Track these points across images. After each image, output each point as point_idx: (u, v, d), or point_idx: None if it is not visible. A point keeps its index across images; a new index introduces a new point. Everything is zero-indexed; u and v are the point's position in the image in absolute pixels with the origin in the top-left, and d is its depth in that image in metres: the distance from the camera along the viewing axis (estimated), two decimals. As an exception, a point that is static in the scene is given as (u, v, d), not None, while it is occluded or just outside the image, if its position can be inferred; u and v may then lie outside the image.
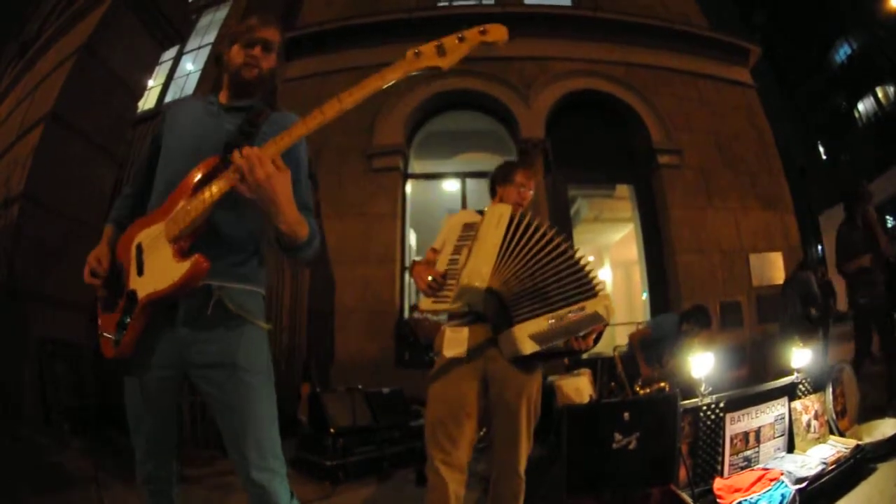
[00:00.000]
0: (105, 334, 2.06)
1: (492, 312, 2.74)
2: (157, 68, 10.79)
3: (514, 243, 2.69)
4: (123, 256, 2.09)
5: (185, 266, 1.88)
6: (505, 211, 2.81)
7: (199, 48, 13.73)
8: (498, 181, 3.31)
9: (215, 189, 1.89)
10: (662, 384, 5.55)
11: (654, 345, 6.23)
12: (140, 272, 2.01)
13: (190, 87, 13.04)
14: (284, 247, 2.03)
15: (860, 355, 5.90)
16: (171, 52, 12.64)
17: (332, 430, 5.48)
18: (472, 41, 1.98)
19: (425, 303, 2.83)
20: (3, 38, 11.42)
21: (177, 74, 13.81)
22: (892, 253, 5.63)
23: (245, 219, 2.11)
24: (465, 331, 2.86)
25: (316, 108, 1.95)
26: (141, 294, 1.97)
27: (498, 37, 2.01)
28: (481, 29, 1.99)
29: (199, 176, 1.98)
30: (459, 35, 1.96)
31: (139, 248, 2.03)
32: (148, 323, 1.99)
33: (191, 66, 13.76)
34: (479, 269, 2.62)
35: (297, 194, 2.00)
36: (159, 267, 1.94)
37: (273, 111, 2.27)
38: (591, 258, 12.86)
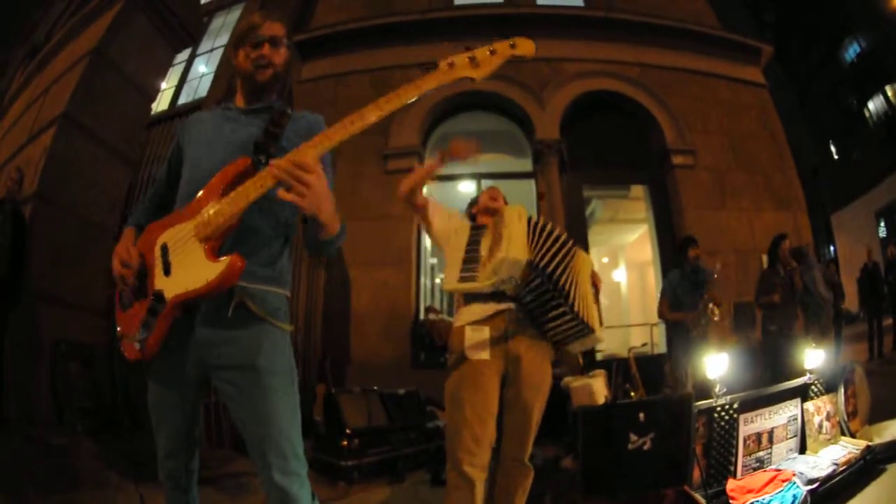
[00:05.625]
0: (128, 336, 2.02)
1: (522, 290, 2.91)
2: (169, 70, 10.84)
3: (536, 234, 2.94)
4: (147, 257, 2.03)
5: (220, 266, 1.83)
6: (522, 210, 3.02)
7: (212, 50, 13.76)
8: (471, 207, 3.67)
9: (252, 190, 1.84)
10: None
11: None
12: (167, 272, 1.95)
13: (203, 89, 13.07)
14: (316, 243, 1.96)
15: (774, 375, 6.32)
16: (183, 55, 12.68)
17: (347, 431, 5.50)
18: (504, 54, 2.03)
19: (451, 282, 2.94)
20: (12, 41, 11.54)
21: (190, 77, 13.84)
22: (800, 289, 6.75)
23: (273, 219, 2.09)
24: (486, 330, 2.92)
25: (355, 112, 1.90)
26: (169, 294, 1.91)
27: (526, 51, 2.06)
28: (511, 42, 2.03)
29: (229, 177, 1.94)
30: (491, 48, 2.01)
31: (164, 249, 1.97)
32: (168, 329, 1.93)
33: (204, 69, 13.80)
34: (520, 245, 2.82)
35: None
36: (190, 267, 1.89)
37: (291, 111, 2.25)
38: (605, 259, 12.90)
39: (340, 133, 1.90)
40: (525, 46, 2.06)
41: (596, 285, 3.17)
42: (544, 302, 2.91)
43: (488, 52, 2.01)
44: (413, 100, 1.95)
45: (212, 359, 1.96)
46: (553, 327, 2.97)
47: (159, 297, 1.93)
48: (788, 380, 4.69)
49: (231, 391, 1.97)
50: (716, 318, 6.03)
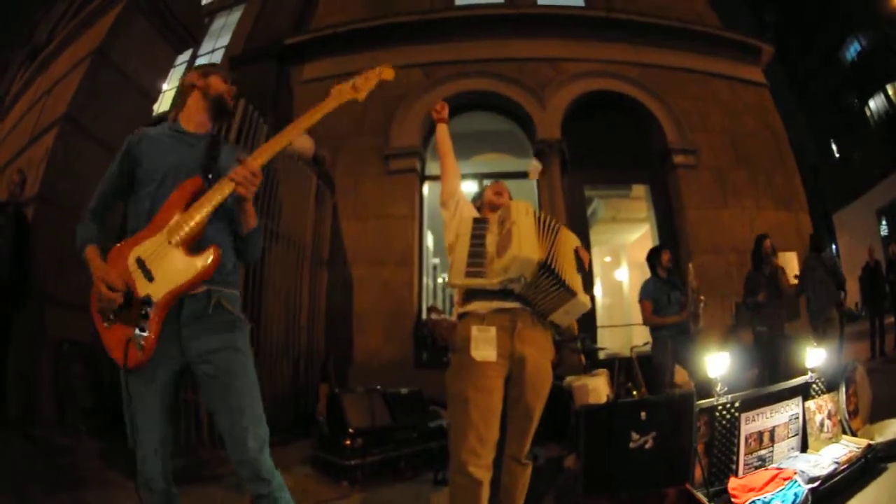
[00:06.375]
0: (132, 340, 2.27)
1: (531, 293, 2.93)
2: (171, 71, 10.86)
3: (545, 230, 2.98)
4: (124, 275, 2.33)
5: (201, 259, 2.31)
6: (529, 205, 3.08)
7: (213, 51, 13.80)
8: (476, 201, 3.67)
9: (214, 197, 2.35)
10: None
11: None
12: (150, 279, 2.29)
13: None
14: (244, 240, 2.59)
15: (768, 374, 6.48)
16: (185, 56, 12.70)
17: (350, 431, 5.50)
18: (374, 79, 2.83)
19: (458, 277, 2.96)
20: (13, 42, 11.56)
21: (191, 78, 13.89)
22: (792, 293, 7.10)
23: (230, 235, 2.57)
24: (492, 331, 2.90)
25: (281, 132, 2.55)
26: (157, 296, 2.27)
27: (389, 76, 2.93)
28: (379, 70, 2.87)
29: (187, 193, 2.40)
30: (366, 76, 2.80)
31: (140, 261, 2.31)
32: (162, 326, 2.28)
33: (205, 69, 13.83)
34: (531, 244, 2.85)
35: None
36: (173, 267, 2.29)
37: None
38: (607, 259, 12.91)
39: (273, 147, 2.50)
40: (388, 73, 2.92)
41: (581, 259, 3.15)
42: (542, 288, 2.93)
43: (364, 80, 2.78)
44: (318, 119, 2.62)
45: (195, 348, 2.35)
46: (540, 300, 2.98)
47: (147, 300, 2.27)
48: (781, 379, 4.71)
49: (215, 372, 2.35)
50: (703, 305, 6.16)
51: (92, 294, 2.40)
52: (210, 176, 2.48)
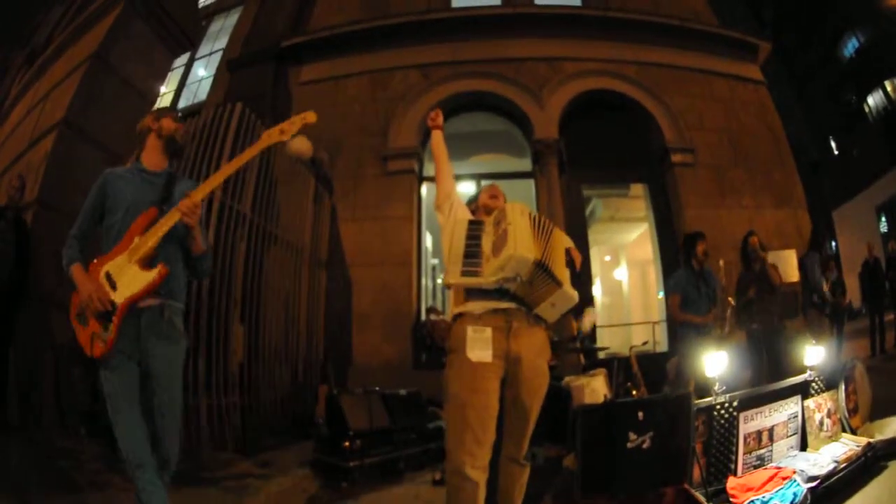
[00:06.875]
0: (97, 335, 2.87)
1: (523, 289, 2.92)
2: (169, 74, 10.87)
3: (540, 230, 2.99)
4: (98, 286, 2.91)
5: (153, 272, 2.86)
6: (524, 206, 3.09)
7: (211, 54, 13.83)
8: (471, 205, 3.60)
9: (165, 224, 2.89)
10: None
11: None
12: (114, 288, 2.86)
13: (203, 92, 13.13)
14: (194, 261, 3.14)
15: (761, 375, 6.30)
16: (182, 59, 12.72)
17: (349, 432, 5.49)
18: (299, 124, 3.17)
19: (453, 276, 2.96)
20: (12, 45, 11.56)
21: (189, 80, 13.92)
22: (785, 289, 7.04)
23: (179, 254, 3.09)
24: (487, 331, 2.90)
25: (217, 171, 3.26)
26: (119, 301, 2.83)
27: (312, 119, 3.21)
28: (303, 116, 3.19)
29: (146, 221, 2.94)
30: (291, 122, 3.15)
31: (108, 275, 2.89)
32: (121, 325, 2.83)
33: (203, 72, 13.87)
34: (527, 244, 2.86)
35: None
36: (131, 279, 2.86)
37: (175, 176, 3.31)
38: (607, 258, 12.92)
39: (212, 183, 3.11)
40: (311, 117, 3.22)
41: (573, 257, 3.12)
42: (535, 286, 2.93)
43: (290, 125, 3.15)
44: (248, 160, 3.31)
45: (148, 349, 2.88)
46: (528, 293, 2.97)
47: (113, 305, 2.84)
48: (775, 375, 4.70)
49: (162, 369, 2.90)
50: (732, 303, 5.89)
51: (73, 302, 2.99)
52: (165, 207, 2.99)
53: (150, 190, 3.09)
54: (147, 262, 2.88)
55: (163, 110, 3.35)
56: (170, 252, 3.01)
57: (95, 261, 2.98)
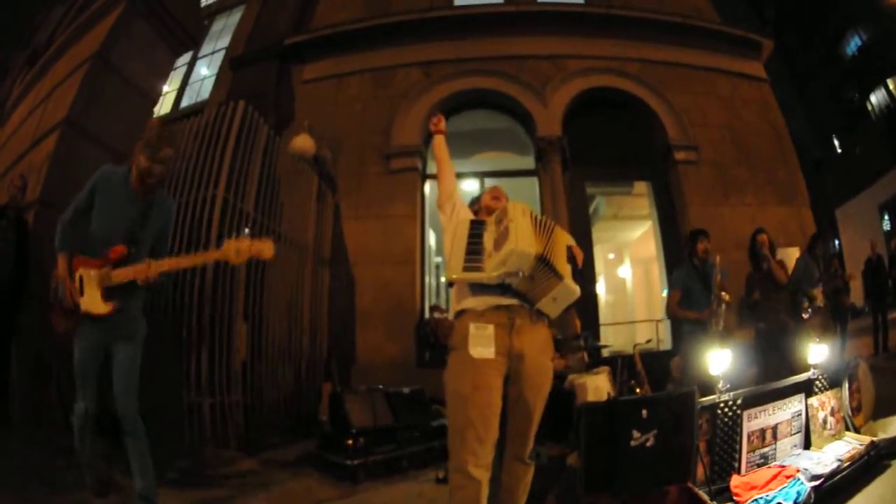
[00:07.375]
0: (62, 318, 3.56)
1: (524, 284, 2.92)
2: (171, 74, 10.87)
3: (541, 229, 2.99)
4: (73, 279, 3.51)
5: (108, 306, 3.46)
6: (525, 206, 3.10)
7: (213, 53, 13.82)
8: (473, 205, 3.62)
9: (132, 276, 3.40)
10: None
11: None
12: (82, 294, 3.46)
13: (205, 91, 13.12)
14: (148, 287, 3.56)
15: (767, 372, 6.24)
16: (185, 58, 12.71)
17: (353, 430, 5.50)
18: (252, 253, 3.38)
19: (455, 271, 2.95)
20: (13, 45, 11.56)
21: (192, 79, 13.91)
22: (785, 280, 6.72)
23: (135, 291, 3.56)
24: (490, 328, 2.89)
25: (183, 257, 3.64)
26: (82, 308, 3.46)
27: (269, 254, 3.45)
28: (259, 249, 3.40)
29: (117, 254, 3.45)
30: (242, 245, 3.39)
31: (81, 279, 3.47)
32: (82, 321, 3.49)
33: (205, 71, 13.86)
34: (529, 239, 2.86)
35: (162, 246, 3.76)
36: (93, 300, 3.45)
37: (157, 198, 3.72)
38: (610, 256, 12.87)
39: (172, 264, 3.48)
40: (268, 250, 3.43)
41: (574, 254, 3.10)
42: (536, 281, 2.93)
43: (244, 252, 3.35)
44: (206, 261, 4.13)
45: (113, 337, 3.53)
46: (529, 289, 2.96)
47: (77, 305, 3.46)
48: (780, 374, 4.68)
49: (122, 356, 3.55)
50: (727, 299, 5.73)
51: (51, 287, 3.58)
52: (139, 230, 3.56)
53: (130, 207, 3.58)
54: (106, 295, 3.45)
55: (152, 145, 3.55)
56: (125, 290, 3.49)
57: (77, 258, 3.52)
